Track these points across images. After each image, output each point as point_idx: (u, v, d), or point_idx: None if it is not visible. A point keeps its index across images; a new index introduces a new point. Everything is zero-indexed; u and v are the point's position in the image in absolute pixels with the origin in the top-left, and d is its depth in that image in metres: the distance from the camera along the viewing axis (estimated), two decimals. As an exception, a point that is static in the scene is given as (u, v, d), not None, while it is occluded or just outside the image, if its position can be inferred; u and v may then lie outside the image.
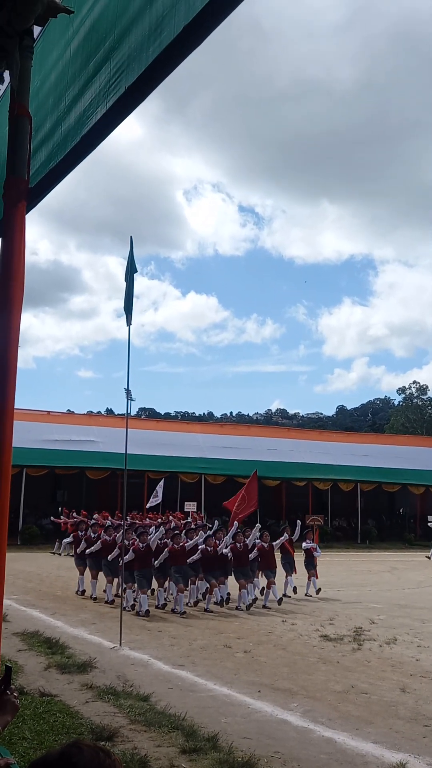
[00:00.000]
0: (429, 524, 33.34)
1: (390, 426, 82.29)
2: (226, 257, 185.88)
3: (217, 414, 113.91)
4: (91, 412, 75.72)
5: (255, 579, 15.40)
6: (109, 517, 23.65)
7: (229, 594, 15.07)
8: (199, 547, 14.67)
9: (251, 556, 15.11)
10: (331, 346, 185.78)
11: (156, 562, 14.28)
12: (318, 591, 16.76)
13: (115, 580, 15.18)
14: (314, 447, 41.41)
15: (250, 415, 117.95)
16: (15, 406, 2.99)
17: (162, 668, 9.26)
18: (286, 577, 16.54)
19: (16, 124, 3.14)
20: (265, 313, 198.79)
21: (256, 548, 15.23)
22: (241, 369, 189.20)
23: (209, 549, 14.66)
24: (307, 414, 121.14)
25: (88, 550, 16.07)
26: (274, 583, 15.13)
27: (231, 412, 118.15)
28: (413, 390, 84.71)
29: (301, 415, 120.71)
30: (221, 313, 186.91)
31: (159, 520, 23.92)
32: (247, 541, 15.10)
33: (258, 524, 16.75)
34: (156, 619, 13.15)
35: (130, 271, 11.61)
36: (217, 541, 14.82)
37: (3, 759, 2.27)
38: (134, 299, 11.68)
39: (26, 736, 6.10)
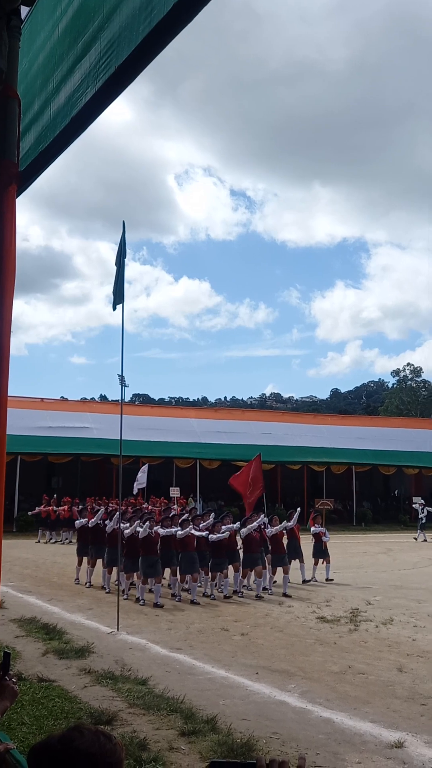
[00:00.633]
0: (414, 506, 33.18)
1: (384, 408, 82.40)
2: (218, 242, 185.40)
3: (212, 399, 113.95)
4: (85, 398, 75.69)
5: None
6: (110, 504, 23.69)
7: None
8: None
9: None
10: (325, 329, 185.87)
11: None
12: (328, 579, 16.30)
13: (114, 569, 14.65)
14: (309, 430, 41.47)
15: (245, 399, 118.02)
16: (8, 394, 2.97)
17: (160, 652, 9.31)
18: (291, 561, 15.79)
19: (5, 106, 3.10)
20: (258, 298, 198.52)
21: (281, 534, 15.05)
22: (235, 354, 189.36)
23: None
24: (302, 398, 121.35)
25: (109, 528, 14.78)
26: (287, 573, 14.75)
27: (225, 397, 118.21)
28: (407, 372, 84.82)
29: (295, 398, 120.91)
30: (214, 298, 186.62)
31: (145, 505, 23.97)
32: (268, 527, 14.89)
33: (263, 512, 16.25)
34: (150, 603, 13.20)
35: (121, 255, 11.54)
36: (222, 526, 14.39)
37: (3, 744, 2.26)
38: (126, 285, 11.62)
39: (25, 722, 6.13)
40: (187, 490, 36.37)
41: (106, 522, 15.19)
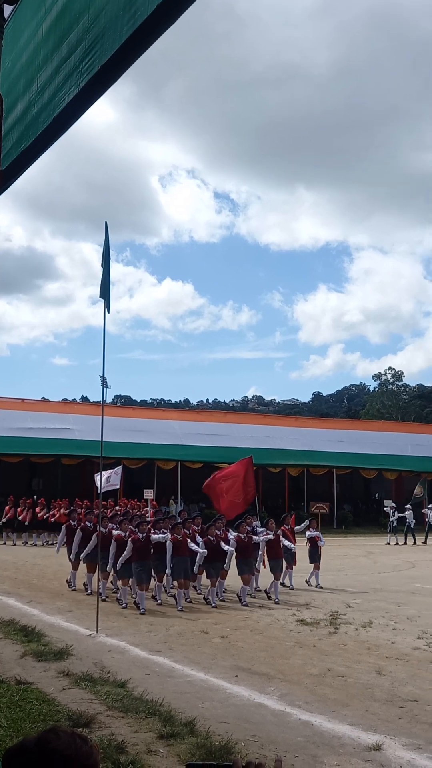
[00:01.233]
0: (385, 509, 33.21)
1: (365, 412, 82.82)
2: (201, 244, 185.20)
3: (194, 401, 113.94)
4: (67, 399, 75.43)
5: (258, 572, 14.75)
6: (116, 507, 23.38)
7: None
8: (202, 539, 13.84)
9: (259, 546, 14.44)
10: (307, 332, 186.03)
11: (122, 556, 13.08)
12: (318, 586, 15.88)
13: (110, 576, 14.22)
14: (290, 433, 41.53)
15: (227, 402, 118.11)
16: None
17: (139, 654, 9.28)
18: (286, 569, 15.33)
19: (-13, 105, 3.08)
20: (241, 300, 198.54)
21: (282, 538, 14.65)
22: (218, 356, 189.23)
23: (212, 539, 13.79)
24: (284, 400, 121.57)
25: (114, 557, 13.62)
26: (278, 579, 14.25)
27: (207, 399, 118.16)
28: (388, 376, 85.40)
29: (277, 401, 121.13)
30: (197, 299, 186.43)
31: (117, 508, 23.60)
32: (259, 531, 14.45)
33: (256, 516, 15.87)
34: (133, 606, 13.15)
35: (106, 257, 11.50)
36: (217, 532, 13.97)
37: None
38: (111, 286, 11.57)
39: (2, 724, 6.08)
40: (169, 493, 36.32)
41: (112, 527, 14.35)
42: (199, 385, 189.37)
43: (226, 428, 40.40)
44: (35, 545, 26.87)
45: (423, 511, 32.65)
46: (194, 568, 13.93)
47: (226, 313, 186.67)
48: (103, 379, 14.39)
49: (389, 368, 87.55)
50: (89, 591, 14.40)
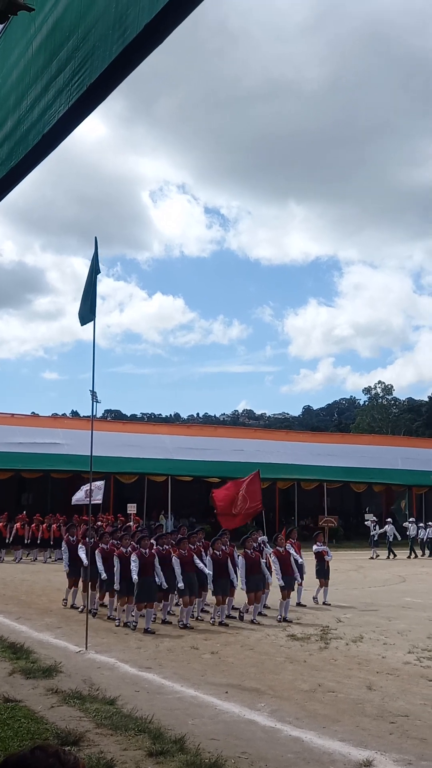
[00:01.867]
0: (366, 523, 32.84)
1: (356, 426, 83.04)
2: (192, 258, 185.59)
3: (184, 415, 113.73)
4: (56, 414, 75.17)
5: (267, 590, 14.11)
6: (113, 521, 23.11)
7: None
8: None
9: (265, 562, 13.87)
10: (297, 346, 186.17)
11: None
12: (325, 602, 15.48)
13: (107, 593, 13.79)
14: (281, 447, 41.53)
15: (217, 416, 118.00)
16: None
17: (129, 671, 9.21)
18: (298, 586, 14.85)
19: (-23, 122, 3.10)
20: (232, 314, 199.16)
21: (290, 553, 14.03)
22: (208, 370, 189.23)
23: (218, 553, 13.29)
24: (274, 414, 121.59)
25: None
26: (288, 597, 13.62)
27: (198, 414, 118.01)
28: (378, 390, 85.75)
29: (267, 415, 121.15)
30: (188, 314, 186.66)
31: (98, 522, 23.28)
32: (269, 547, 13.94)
33: (262, 531, 15.35)
34: (121, 626, 13.05)
35: (94, 272, 11.52)
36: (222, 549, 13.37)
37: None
38: (100, 300, 11.60)
39: (-10, 743, 6.02)
40: (159, 507, 36.18)
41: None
42: (189, 399, 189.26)
43: (216, 442, 40.34)
44: (23, 561, 26.65)
45: (404, 524, 32.69)
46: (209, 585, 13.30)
47: (216, 328, 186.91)
48: (93, 394, 14.39)
49: (379, 382, 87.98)
50: (86, 608, 14.05)
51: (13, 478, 34.11)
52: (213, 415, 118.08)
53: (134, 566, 12.28)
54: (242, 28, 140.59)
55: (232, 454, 37.79)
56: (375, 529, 31.17)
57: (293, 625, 12.77)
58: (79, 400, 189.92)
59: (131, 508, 30.19)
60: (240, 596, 13.83)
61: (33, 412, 56.88)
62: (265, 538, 14.73)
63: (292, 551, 14.29)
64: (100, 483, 21.51)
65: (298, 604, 14.80)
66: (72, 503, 23.06)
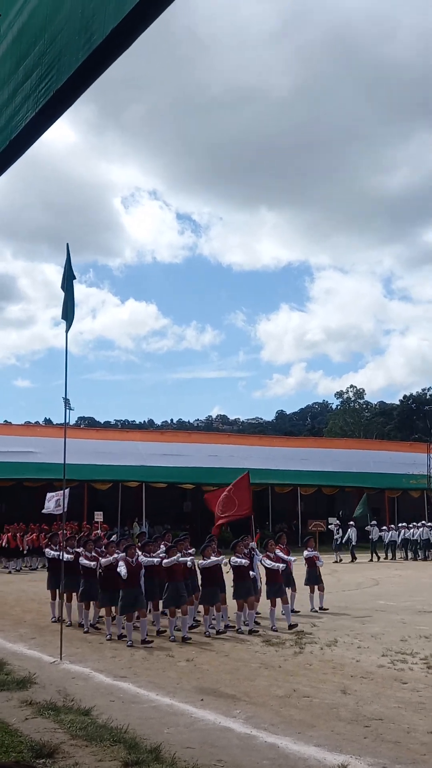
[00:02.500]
0: (330, 527, 32.42)
1: (329, 430, 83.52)
2: (164, 264, 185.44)
3: (158, 421, 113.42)
4: (29, 422, 74.63)
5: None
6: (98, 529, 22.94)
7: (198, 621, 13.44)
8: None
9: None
10: (270, 351, 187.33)
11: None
12: (322, 608, 15.15)
13: (92, 605, 13.48)
14: (254, 452, 41.61)
15: (191, 421, 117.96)
16: None
17: (104, 681, 9.13)
18: (291, 592, 14.40)
19: None
20: (205, 320, 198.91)
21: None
22: (181, 376, 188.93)
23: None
24: (248, 419, 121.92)
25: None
26: (287, 603, 13.35)
27: (171, 419, 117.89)
28: (350, 394, 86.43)
29: (241, 420, 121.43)
30: (161, 320, 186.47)
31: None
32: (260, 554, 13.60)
33: (252, 538, 14.89)
34: (94, 632, 12.95)
35: (68, 278, 11.45)
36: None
37: None
38: (75, 306, 11.49)
39: (-38, 758, 5.92)
40: (133, 514, 36.02)
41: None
42: (163, 405, 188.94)
43: (190, 448, 40.33)
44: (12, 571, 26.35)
45: (366, 528, 32.86)
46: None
47: (189, 333, 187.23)
48: (66, 401, 14.34)
49: (351, 386, 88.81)
50: (56, 619, 13.98)
51: (-15, 487, 33.76)
52: (187, 420, 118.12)
53: (122, 571, 11.90)
54: (210, 35, 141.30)
55: (207, 460, 37.82)
56: (338, 534, 31.38)
57: (268, 630, 12.74)
58: (52, 408, 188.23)
59: (98, 516, 30.10)
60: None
61: (5, 421, 56.48)
62: (254, 544, 14.37)
63: (283, 557, 13.87)
64: (66, 491, 21.25)
65: (293, 611, 13.96)
66: (43, 512, 22.99)
